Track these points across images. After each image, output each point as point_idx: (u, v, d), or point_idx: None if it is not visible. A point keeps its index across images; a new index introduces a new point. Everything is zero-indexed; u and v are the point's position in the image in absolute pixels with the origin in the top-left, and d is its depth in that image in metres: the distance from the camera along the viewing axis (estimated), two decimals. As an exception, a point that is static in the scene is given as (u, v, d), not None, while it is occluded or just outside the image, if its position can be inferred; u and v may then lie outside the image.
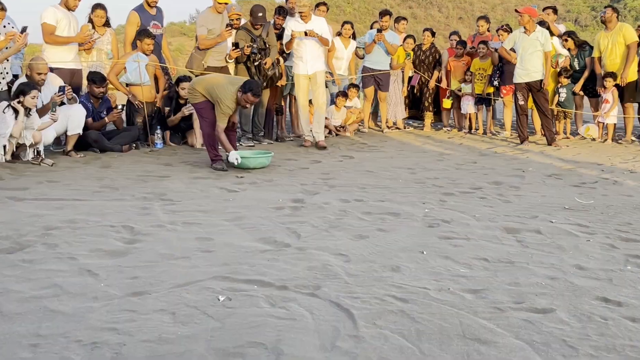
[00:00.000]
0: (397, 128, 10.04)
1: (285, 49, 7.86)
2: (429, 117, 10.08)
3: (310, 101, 8.05)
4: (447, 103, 9.75)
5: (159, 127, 7.52)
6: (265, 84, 7.87)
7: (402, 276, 3.03)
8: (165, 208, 4.40)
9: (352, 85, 9.39)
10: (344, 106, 9.19)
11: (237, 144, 7.58)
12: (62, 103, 6.60)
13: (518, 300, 2.75)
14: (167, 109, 7.65)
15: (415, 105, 10.30)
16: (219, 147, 6.32)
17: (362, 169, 6.33)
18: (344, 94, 9.09)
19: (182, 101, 7.58)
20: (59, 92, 6.49)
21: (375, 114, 10.49)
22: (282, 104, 8.78)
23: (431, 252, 3.41)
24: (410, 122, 11.13)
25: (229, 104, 5.94)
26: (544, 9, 9.36)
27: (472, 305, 2.69)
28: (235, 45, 7.69)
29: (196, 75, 7.58)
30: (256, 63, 7.70)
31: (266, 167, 6.26)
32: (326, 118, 8.57)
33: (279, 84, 8.17)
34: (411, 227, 3.93)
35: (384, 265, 3.18)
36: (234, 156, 6.03)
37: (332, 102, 9.21)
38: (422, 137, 9.31)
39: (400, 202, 4.71)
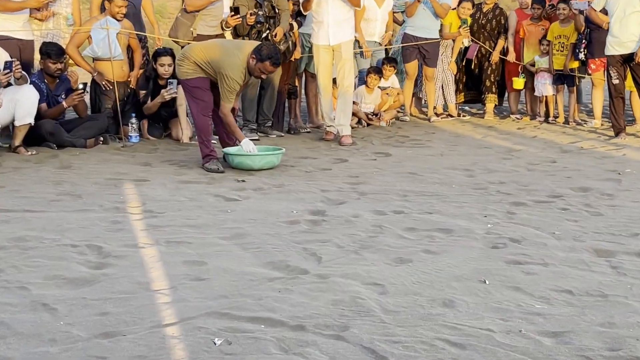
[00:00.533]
0: (449, 115, 10.06)
1: (302, 10, 7.90)
2: (491, 100, 10.09)
3: (333, 80, 8.10)
4: (517, 83, 9.72)
5: (134, 115, 7.61)
6: None
7: (457, 313, 3.03)
8: (143, 222, 4.45)
9: (388, 59, 9.42)
10: (378, 87, 9.24)
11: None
12: (8, 84, 6.70)
13: (613, 347, 2.73)
14: (143, 92, 7.74)
15: (473, 86, 10.32)
16: (214, 141, 6.37)
17: (403, 170, 6.33)
18: (377, 71, 9.13)
19: (162, 82, 7.67)
20: (3, 69, 6.60)
21: (419, 97, 10.51)
22: (297, 84, 8.84)
23: (495, 281, 3.41)
24: (467, 107, 11.13)
25: (237, 76, 5.99)
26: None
27: (552, 352, 2.68)
28: (235, 10, 7.73)
29: (182, 47, 7.68)
30: (263, 35, 7.74)
31: (275, 167, 6.29)
32: (354, 103, 8.60)
33: (292, 58, 8.22)
34: (469, 248, 3.93)
35: (433, 298, 3.18)
36: (249, 145, 6.15)
37: (363, 81, 9.25)
38: (483, 127, 9.29)
39: (454, 214, 4.71)
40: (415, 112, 10.48)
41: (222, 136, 6.51)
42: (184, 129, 7.69)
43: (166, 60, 7.60)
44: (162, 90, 7.54)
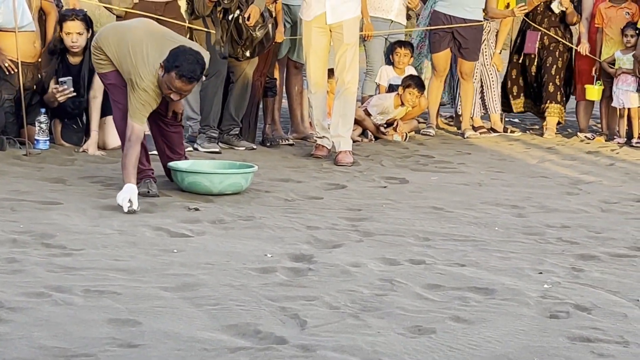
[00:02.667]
0: (492, 130, 10.09)
1: None
2: (554, 113, 10.03)
3: (330, 72, 8.12)
4: (591, 92, 9.66)
5: (43, 111, 7.58)
6: (247, 51, 7.95)
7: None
8: (51, 261, 4.41)
9: (401, 42, 9.41)
10: (390, 84, 9.28)
11: (190, 149, 7.63)
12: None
13: None
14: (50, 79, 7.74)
15: (529, 92, 10.30)
16: (150, 153, 6.30)
17: (424, 203, 6.33)
18: (407, 44, 9.16)
19: (72, 58, 7.66)
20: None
21: (450, 102, 10.55)
22: (276, 76, 8.85)
23: (555, 365, 3.39)
24: (516, 120, 11.14)
25: (151, 89, 5.82)
26: None
27: None
28: None
29: (118, 18, 7.66)
30: (231, 17, 7.74)
31: (243, 192, 6.29)
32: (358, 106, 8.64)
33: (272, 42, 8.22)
34: (516, 317, 3.90)
35: (465, 386, 3.16)
36: (124, 197, 5.58)
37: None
38: (539, 148, 9.33)
39: (496, 268, 4.69)
40: (442, 123, 10.51)
41: (162, 149, 6.48)
42: (111, 132, 7.63)
43: (74, 26, 7.48)
44: (52, 87, 7.53)
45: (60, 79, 7.49)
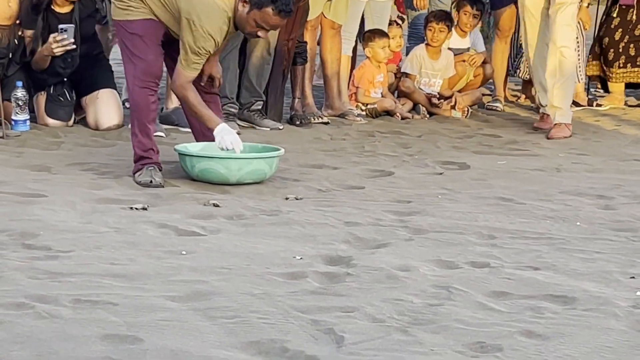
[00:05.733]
0: (574, 103, 10.01)
1: None
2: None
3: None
4: None
5: (20, 84, 7.62)
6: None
7: None
8: (34, 266, 4.43)
9: (438, 14, 9.38)
10: (448, 48, 9.26)
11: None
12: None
13: None
14: (30, 34, 7.76)
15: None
16: (161, 132, 6.32)
17: (489, 194, 6.33)
18: (444, 17, 9.20)
19: (61, 9, 7.68)
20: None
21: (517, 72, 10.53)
22: (305, 39, 8.85)
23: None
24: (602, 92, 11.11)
25: (215, 29, 5.96)
26: None
27: None
28: None
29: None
30: None
31: (267, 181, 6.31)
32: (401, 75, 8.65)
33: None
34: (604, 331, 3.88)
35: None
36: (228, 138, 6.10)
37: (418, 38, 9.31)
38: (634, 125, 9.28)
39: (579, 272, 4.67)
40: (510, 95, 10.48)
41: (196, 125, 6.55)
42: (109, 106, 7.65)
43: None
44: (51, 36, 7.56)
45: (61, 26, 7.54)
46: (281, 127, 8.30)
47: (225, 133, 6.13)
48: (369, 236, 5.19)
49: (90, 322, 3.76)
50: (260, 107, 8.34)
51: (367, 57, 9.10)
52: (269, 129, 8.19)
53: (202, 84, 6.35)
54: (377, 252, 4.91)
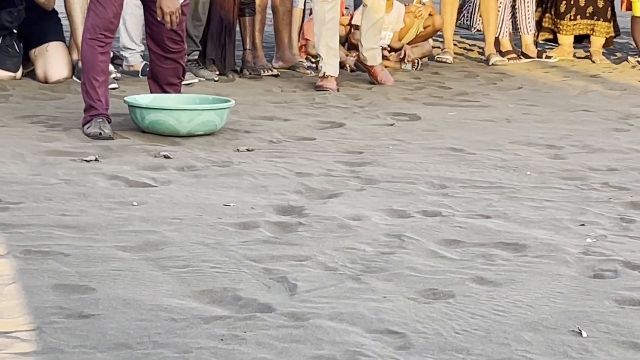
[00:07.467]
0: (523, 55, 10.07)
1: None
2: (602, 32, 10.10)
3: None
4: (638, 6, 9.70)
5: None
6: None
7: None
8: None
9: None
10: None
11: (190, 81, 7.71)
12: None
13: None
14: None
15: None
16: (113, 84, 6.28)
17: (440, 144, 6.34)
18: None
19: None
20: None
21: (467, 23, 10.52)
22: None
23: (599, 332, 3.39)
24: (553, 44, 11.13)
25: None
26: None
27: None
28: None
29: None
30: None
31: (217, 132, 6.30)
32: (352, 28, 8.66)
33: None
34: (553, 277, 3.92)
35: (489, 356, 3.19)
36: None
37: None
38: (582, 76, 9.33)
39: (529, 220, 4.70)
40: (455, 48, 10.50)
41: (156, 77, 6.57)
42: (58, 58, 7.61)
43: None
44: None
45: None
46: (216, 79, 8.28)
47: None
48: (320, 186, 5.20)
49: (42, 272, 3.76)
50: (196, 57, 8.31)
51: None
52: (216, 79, 8.17)
53: (159, 19, 6.24)
54: (329, 201, 4.92)
